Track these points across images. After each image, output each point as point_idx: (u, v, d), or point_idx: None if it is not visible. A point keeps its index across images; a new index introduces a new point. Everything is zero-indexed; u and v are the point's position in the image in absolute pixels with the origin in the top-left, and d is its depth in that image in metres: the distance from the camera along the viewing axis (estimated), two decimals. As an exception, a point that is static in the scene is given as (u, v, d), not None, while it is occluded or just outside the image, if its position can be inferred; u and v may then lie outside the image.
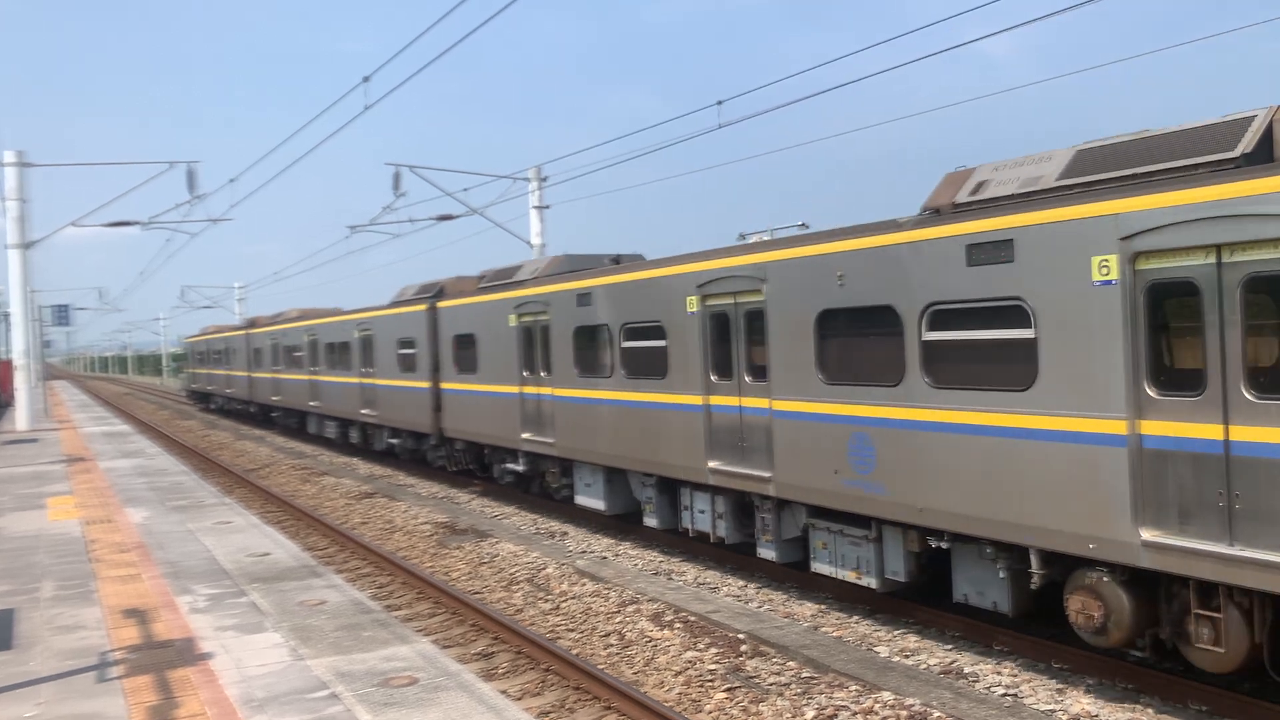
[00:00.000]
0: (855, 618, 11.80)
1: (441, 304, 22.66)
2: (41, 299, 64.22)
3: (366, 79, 20.18)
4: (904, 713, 8.74)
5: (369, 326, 27.25)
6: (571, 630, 12.04)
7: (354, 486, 23.99)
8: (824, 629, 11.43)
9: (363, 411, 27.95)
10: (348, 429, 31.14)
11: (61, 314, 53.40)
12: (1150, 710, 8.68)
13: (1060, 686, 9.33)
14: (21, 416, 34.90)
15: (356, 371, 28.35)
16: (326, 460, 30.21)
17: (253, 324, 43.34)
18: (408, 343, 24.43)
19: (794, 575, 13.37)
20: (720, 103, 20.93)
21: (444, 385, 22.30)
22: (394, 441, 26.73)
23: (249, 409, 45.69)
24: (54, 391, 75.03)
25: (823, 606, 12.30)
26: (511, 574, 14.76)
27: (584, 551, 16.00)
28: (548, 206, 31.50)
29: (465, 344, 21.25)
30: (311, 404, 33.40)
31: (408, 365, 24.43)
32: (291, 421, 38.48)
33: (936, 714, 8.65)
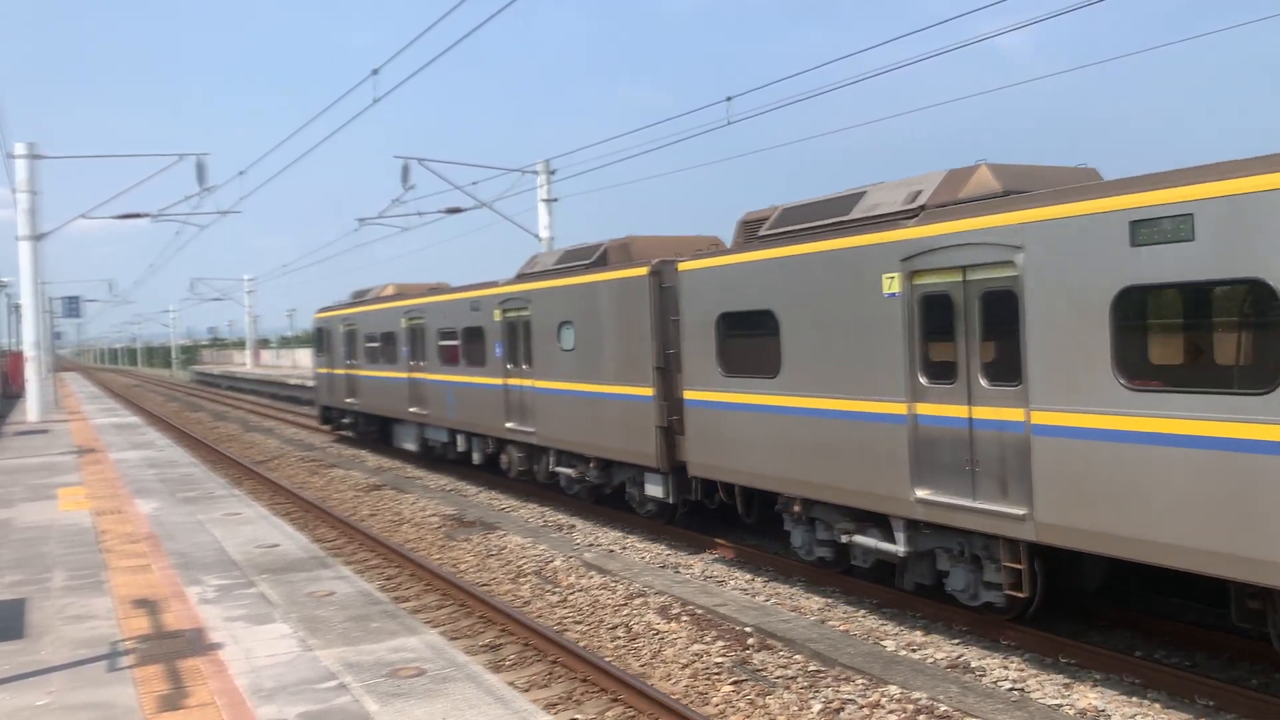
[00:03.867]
0: (862, 611, 11.81)
1: None
2: (52, 291, 64.42)
3: (375, 71, 20.24)
4: (910, 706, 8.75)
5: None
6: (579, 622, 12.08)
7: (362, 479, 24.05)
8: (831, 622, 11.45)
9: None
10: None
11: (72, 306, 53.68)
12: (1157, 705, 8.68)
13: (1067, 681, 9.34)
14: (32, 408, 35.09)
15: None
16: (335, 453, 30.29)
17: (610, 255, 16.81)
18: None
19: (801, 569, 13.38)
20: (730, 99, 20.94)
21: None
22: None
23: (560, 475, 18.68)
24: (64, 383, 75.39)
25: (829, 600, 12.31)
26: (519, 566, 14.80)
27: (591, 544, 16.04)
28: (556, 200, 31.54)
29: None
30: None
31: None
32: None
33: (943, 708, 8.66)
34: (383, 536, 16.76)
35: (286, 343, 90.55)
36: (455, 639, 11.38)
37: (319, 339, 33.52)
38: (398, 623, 9.35)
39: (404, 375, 25.00)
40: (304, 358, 78.03)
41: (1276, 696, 8.40)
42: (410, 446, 26.06)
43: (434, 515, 18.92)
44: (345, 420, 31.76)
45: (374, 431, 29.58)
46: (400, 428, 26.82)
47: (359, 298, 30.31)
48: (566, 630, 11.81)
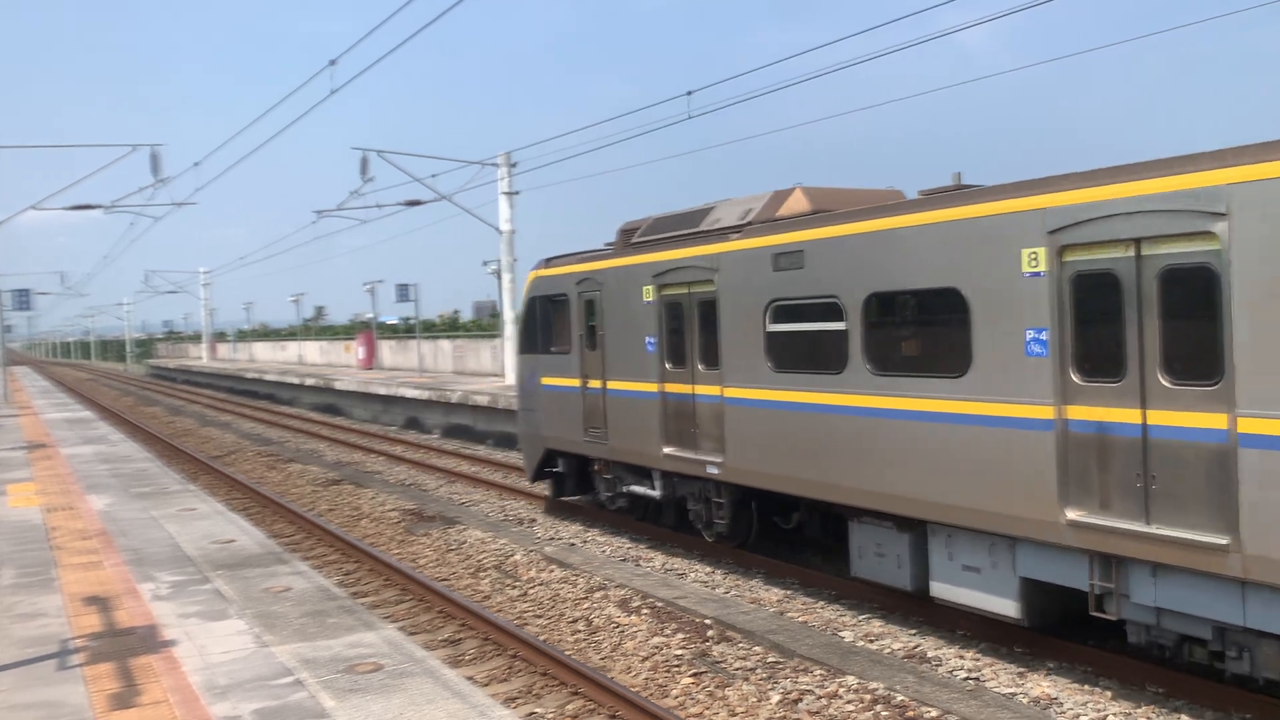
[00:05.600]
0: (821, 603, 11.89)
1: None
2: (1, 283, 63.05)
3: (333, 62, 20.02)
4: (868, 696, 8.83)
5: None
6: (539, 616, 12.06)
7: (321, 474, 23.84)
8: (790, 614, 11.51)
9: None
10: None
11: (22, 298, 52.49)
12: (1109, 693, 8.83)
13: (1021, 670, 9.46)
14: (-19, 402, 34.36)
15: None
16: (293, 447, 29.99)
17: None
18: None
19: (761, 561, 13.44)
20: (690, 93, 20.97)
21: None
22: None
23: None
24: (14, 377, 73.89)
25: (789, 592, 12.38)
26: (479, 561, 14.74)
27: (552, 538, 16.01)
28: (517, 192, 31.42)
29: None
30: None
31: None
32: None
33: (900, 697, 8.75)
34: (341, 531, 16.63)
35: (243, 336, 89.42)
36: (414, 634, 11.31)
37: (539, 321, 17.11)
38: (355, 618, 9.27)
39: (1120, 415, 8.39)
40: (261, 351, 77.09)
41: (1222, 684, 8.57)
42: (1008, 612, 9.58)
43: (393, 510, 18.79)
44: (628, 488, 15.35)
45: (728, 525, 13.47)
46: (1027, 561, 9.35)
47: (675, 228, 13.95)
48: (527, 624, 11.78)
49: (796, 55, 18.67)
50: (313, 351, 65.12)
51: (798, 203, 12.60)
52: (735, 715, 8.80)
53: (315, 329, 78.91)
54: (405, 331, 55.36)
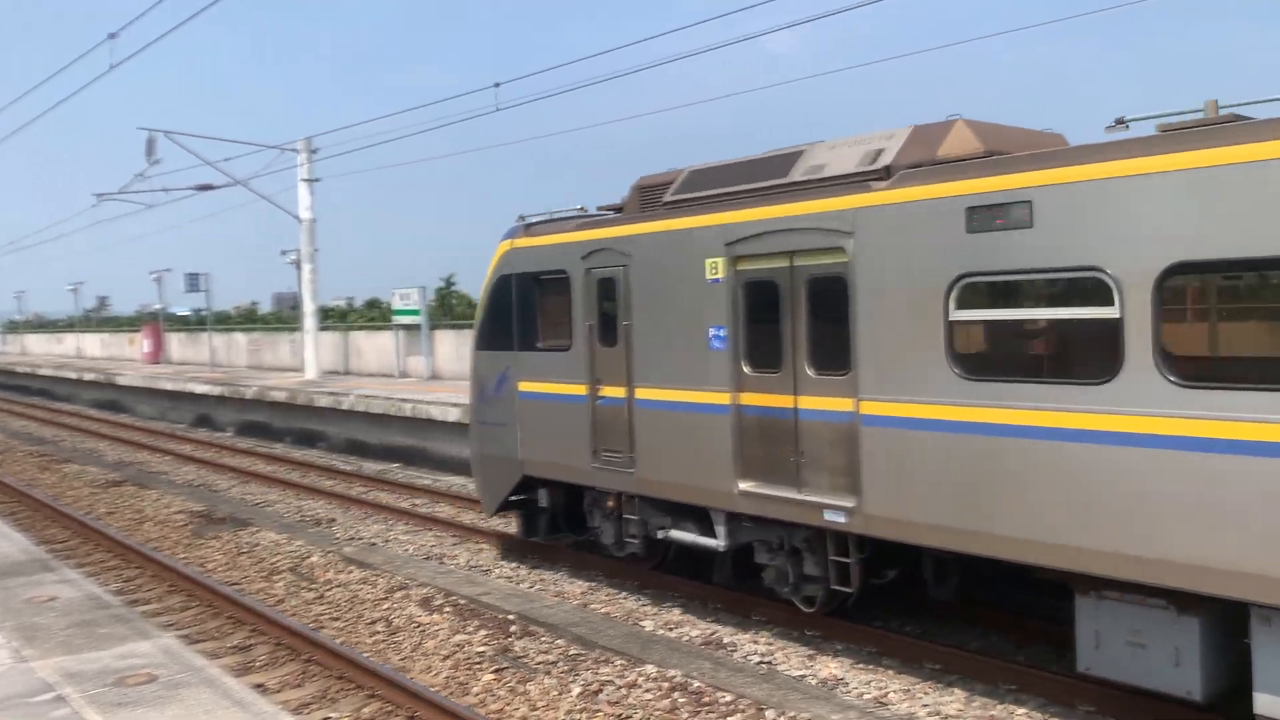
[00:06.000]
0: (623, 594, 12.01)
1: None
2: None
3: (113, 35, 18.76)
4: (666, 684, 8.99)
5: None
6: (336, 619, 11.66)
7: (100, 474, 22.27)
8: (593, 606, 11.58)
9: None
10: None
11: None
12: (891, 671, 9.30)
13: (811, 653, 9.84)
14: None
15: None
16: (70, 446, 27.90)
17: None
18: None
19: (567, 555, 13.46)
20: (498, 85, 20.82)
21: None
22: None
23: None
24: None
25: (593, 584, 12.45)
26: (273, 564, 14.13)
27: (352, 539, 15.53)
28: (318, 180, 30.32)
29: None
30: None
31: None
32: None
33: (697, 684, 8.94)
34: (121, 535, 15.57)
35: (14, 327, 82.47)
36: (198, 641, 10.70)
37: (516, 308, 13.14)
38: (129, 627, 8.69)
39: None
40: (35, 344, 71.35)
41: (993, 657, 9.19)
42: None
43: (180, 512, 17.77)
44: (667, 533, 11.37)
45: (836, 592, 10.08)
46: None
47: (741, 180, 10.41)
48: (323, 627, 11.37)
49: (603, 53, 18.81)
50: (93, 344, 60.78)
51: (962, 140, 9.21)
52: (536, 709, 8.77)
53: (97, 320, 73.70)
54: (197, 324, 52.48)
